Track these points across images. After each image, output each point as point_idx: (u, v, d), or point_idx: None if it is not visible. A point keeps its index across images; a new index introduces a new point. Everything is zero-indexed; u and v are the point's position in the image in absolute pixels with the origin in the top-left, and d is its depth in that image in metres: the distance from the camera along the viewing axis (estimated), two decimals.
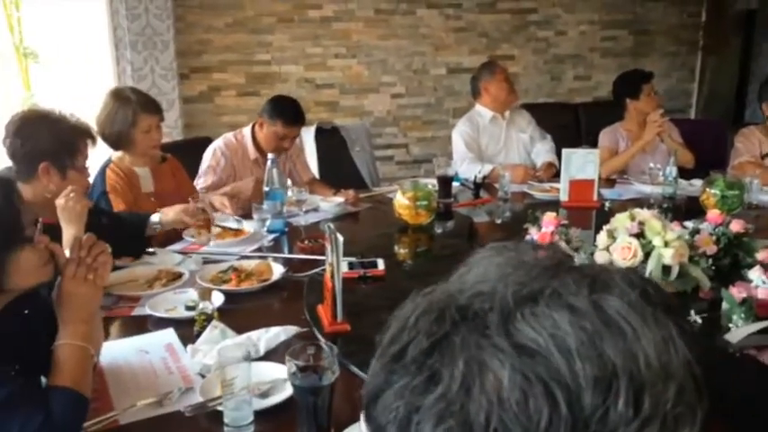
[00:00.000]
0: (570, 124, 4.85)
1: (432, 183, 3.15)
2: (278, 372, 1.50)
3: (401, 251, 2.68)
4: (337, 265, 1.71)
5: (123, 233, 2.26)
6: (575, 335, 0.43)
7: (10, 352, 1.31)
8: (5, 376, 1.23)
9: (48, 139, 1.98)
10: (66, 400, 1.28)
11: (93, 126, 2.31)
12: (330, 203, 3.05)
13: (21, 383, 1.25)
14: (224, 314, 1.91)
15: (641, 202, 3.04)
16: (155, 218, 2.38)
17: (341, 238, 1.68)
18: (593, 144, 3.69)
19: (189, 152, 3.25)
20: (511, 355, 0.42)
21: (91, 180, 2.30)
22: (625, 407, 0.41)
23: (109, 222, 2.20)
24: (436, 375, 0.44)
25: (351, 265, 2.18)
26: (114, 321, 1.92)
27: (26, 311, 1.44)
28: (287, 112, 3.05)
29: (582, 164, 3.08)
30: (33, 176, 1.98)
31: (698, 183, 3.20)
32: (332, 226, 1.78)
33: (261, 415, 1.38)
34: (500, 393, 0.41)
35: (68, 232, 1.88)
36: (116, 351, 1.70)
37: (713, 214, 2.25)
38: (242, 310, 1.99)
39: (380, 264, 2.22)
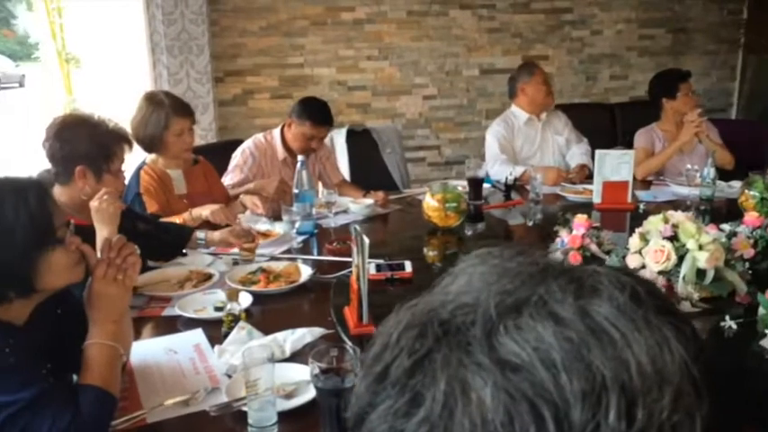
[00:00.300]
0: (606, 125, 4.76)
1: (462, 184, 3.14)
2: (303, 373, 1.50)
3: (430, 253, 2.67)
4: (363, 267, 1.71)
5: (161, 240, 2.30)
6: (559, 347, 0.41)
7: (42, 351, 1.35)
8: (36, 375, 1.26)
9: (85, 143, 2.01)
10: (94, 398, 1.30)
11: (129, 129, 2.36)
12: (359, 205, 3.05)
13: (51, 382, 1.28)
14: (252, 315, 1.93)
15: (678, 204, 2.97)
16: (200, 234, 2.39)
17: (366, 240, 1.68)
18: (630, 145, 3.63)
19: (222, 154, 3.29)
20: (494, 373, 0.40)
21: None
22: (617, 420, 0.39)
23: (146, 228, 2.24)
24: (418, 397, 0.42)
25: (378, 267, 2.18)
26: (145, 321, 1.95)
27: (59, 311, 1.48)
28: (315, 112, 3.08)
29: (616, 165, 3.03)
30: (70, 179, 2.02)
31: (737, 184, 3.12)
32: (358, 228, 1.78)
33: (285, 416, 1.39)
34: (484, 414, 0.40)
35: (101, 234, 1.92)
36: (146, 351, 1.73)
37: (751, 217, 2.19)
38: (270, 311, 2.01)
39: (408, 266, 2.22)
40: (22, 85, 18.44)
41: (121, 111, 2.73)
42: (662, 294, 0.47)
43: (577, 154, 3.69)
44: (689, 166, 3.20)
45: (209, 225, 2.58)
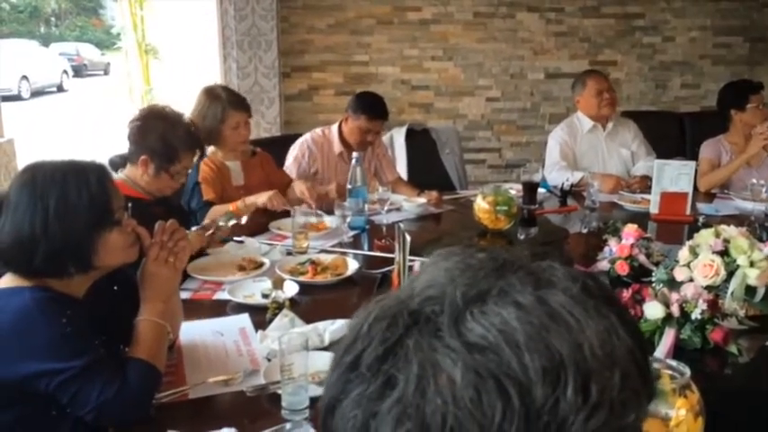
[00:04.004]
0: (674, 134, 4.63)
1: (518, 188, 3.13)
2: None
3: None
4: (404, 264, 1.75)
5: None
6: (522, 329, 0.44)
7: (97, 324, 1.44)
8: (89, 346, 1.36)
9: (156, 139, 2.16)
10: (140, 371, 1.39)
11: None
12: (412, 204, 3.09)
13: (102, 353, 1.37)
14: (297, 304, 2.00)
15: (740, 218, 2.88)
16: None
17: (408, 238, 1.72)
18: (698, 157, 3.53)
19: (284, 147, 3.38)
20: (463, 354, 0.44)
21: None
22: (574, 395, 0.43)
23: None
24: (392, 380, 0.45)
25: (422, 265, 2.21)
26: (197, 303, 2.05)
27: (115, 288, 1.58)
28: (370, 106, 3.14)
29: (675, 176, 2.96)
30: (135, 162, 2.19)
31: None
32: (401, 225, 1.83)
33: (318, 401, 1.44)
34: (454, 392, 0.43)
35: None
36: (195, 331, 1.82)
37: None
38: (315, 302, 2.07)
39: None
40: (107, 72, 19.31)
41: (193, 102, 2.86)
42: (609, 288, 0.52)
43: (642, 168, 3.57)
44: (754, 180, 3.09)
45: (263, 212, 2.67)
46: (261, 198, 2.63)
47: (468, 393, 0.42)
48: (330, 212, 2.82)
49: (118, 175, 2.19)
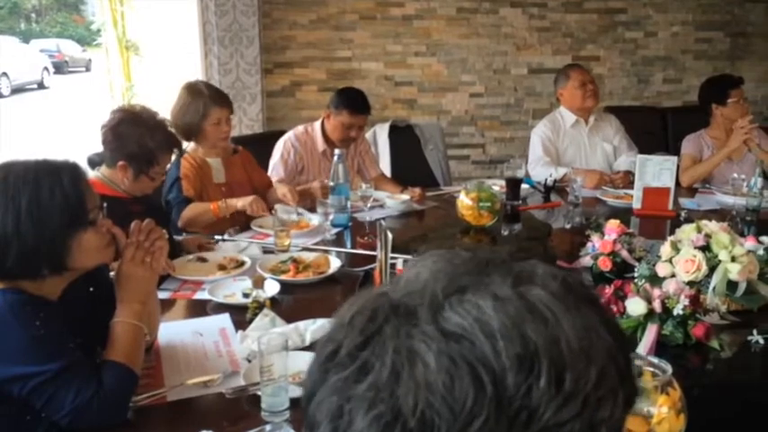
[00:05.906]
0: (657, 129, 4.65)
1: (502, 184, 3.13)
2: None
3: None
4: (386, 262, 1.74)
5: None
6: (498, 318, 0.45)
7: (73, 326, 1.41)
8: (64, 349, 1.33)
9: (133, 144, 2.12)
10: (116, 373, 1.37)
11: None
12: (396, 200, 3.07)
13: (78, 356, 1.35)
14: (279, 303, 1.98)
15: (722, 213, 2.90)
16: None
17: (390, 236, 1.70)
18: (680, 151, 3.54)
19: (267, 145, 3.35)
20: (438, 341, 0.44)
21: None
22: (547, 385, 0.43)
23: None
24: (367, 365, 0.45)
25: (405, 263, 2.20)
26: (177, 303, 2.03)
27: (91, 289, 1.55)
28: (352, 101, 3.12)
29: (658, 171, 2.97)
30: (113, 167, 2.16)
31: None
32: (383, 223, 1.81)
33: (298, 403, 1.42)
34: (428, 377, 0.43)
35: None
36: (174, 332, 1.79)
37: None
38: (297, 301, 2.05)
39: None
40: (88, 69, 19.07)
41: (174, 99, 2.82)
42: (590, 288, 0.53)
43: (625, 163, 3.60)
44: (735, 174, 3.11)
45: (242, 216, 2.65)
46: (241, 202, 2.61)
47: (442, 378, 0.43)
48: (313, 210, 2.80)
49: (94, 173, 2.15)
